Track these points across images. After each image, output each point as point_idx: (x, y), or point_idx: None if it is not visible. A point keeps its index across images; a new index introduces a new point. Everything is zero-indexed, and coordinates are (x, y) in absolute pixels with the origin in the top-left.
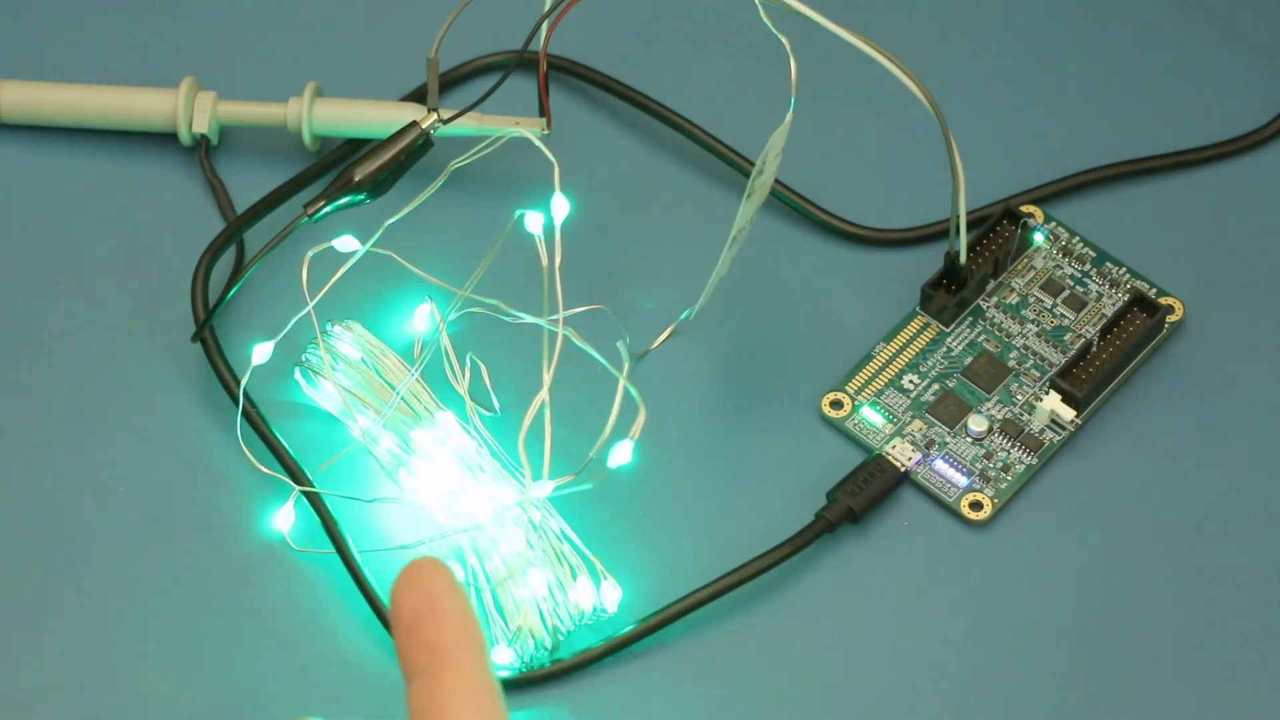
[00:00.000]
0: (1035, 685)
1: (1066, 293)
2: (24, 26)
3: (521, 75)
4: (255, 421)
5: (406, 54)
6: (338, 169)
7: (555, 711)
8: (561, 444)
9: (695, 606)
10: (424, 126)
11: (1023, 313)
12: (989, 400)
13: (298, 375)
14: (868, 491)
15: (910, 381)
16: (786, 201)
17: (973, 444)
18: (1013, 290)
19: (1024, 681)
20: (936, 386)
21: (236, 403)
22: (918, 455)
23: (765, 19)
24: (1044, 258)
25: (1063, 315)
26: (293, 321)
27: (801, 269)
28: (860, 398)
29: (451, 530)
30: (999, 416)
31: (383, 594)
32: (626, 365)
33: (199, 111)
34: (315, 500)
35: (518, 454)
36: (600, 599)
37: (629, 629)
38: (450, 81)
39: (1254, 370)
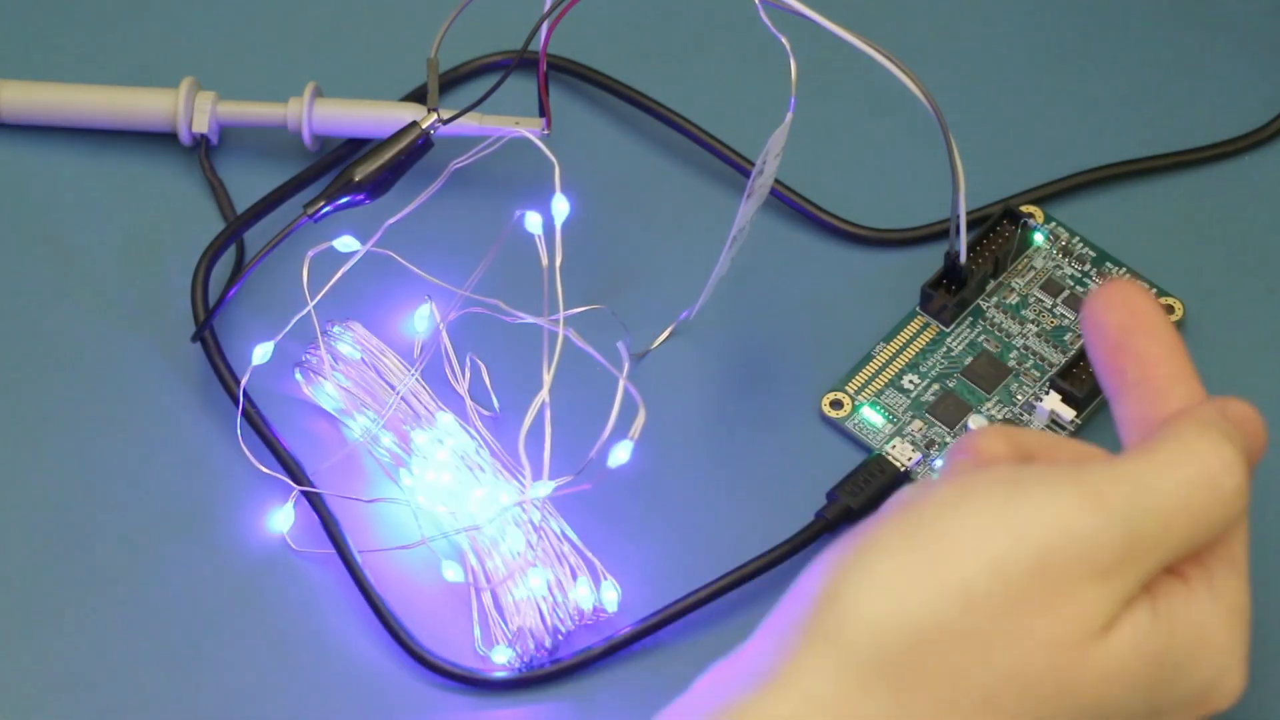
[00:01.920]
0: None
1: (1066, 293)
2: (24, 26)
3: (521, 75)
4: (255, 421)
5: (406, 54)
6: (338, 169)
7: (555, 711)
8: (561, 444)
9: (695, 606)
10: (424, 126)
11: (1023, 313)
12: (989, 400)
13: (298, 375)
14: (867, 491)
15: (910, 381)
16: (786, 201)
17: None
18: (1013, 290)
19: None
20: (936, 386)
21: (236, 403)
22: (918, 455)
23: (765, 19)
24: (1044, 258)
25: (1063, 315)
26: (293, 321)
27: (801, 269)
28: (860, 398)
29: (451, 530)
30: (999, 416)
31: (383, 594)
32: (626, 365)
33: (199, 111)
34: (315, 500)
35: (518, 454)
36: (600, 599)
37: (629, 629)
38: (450, 81)
39: (1254, 370)
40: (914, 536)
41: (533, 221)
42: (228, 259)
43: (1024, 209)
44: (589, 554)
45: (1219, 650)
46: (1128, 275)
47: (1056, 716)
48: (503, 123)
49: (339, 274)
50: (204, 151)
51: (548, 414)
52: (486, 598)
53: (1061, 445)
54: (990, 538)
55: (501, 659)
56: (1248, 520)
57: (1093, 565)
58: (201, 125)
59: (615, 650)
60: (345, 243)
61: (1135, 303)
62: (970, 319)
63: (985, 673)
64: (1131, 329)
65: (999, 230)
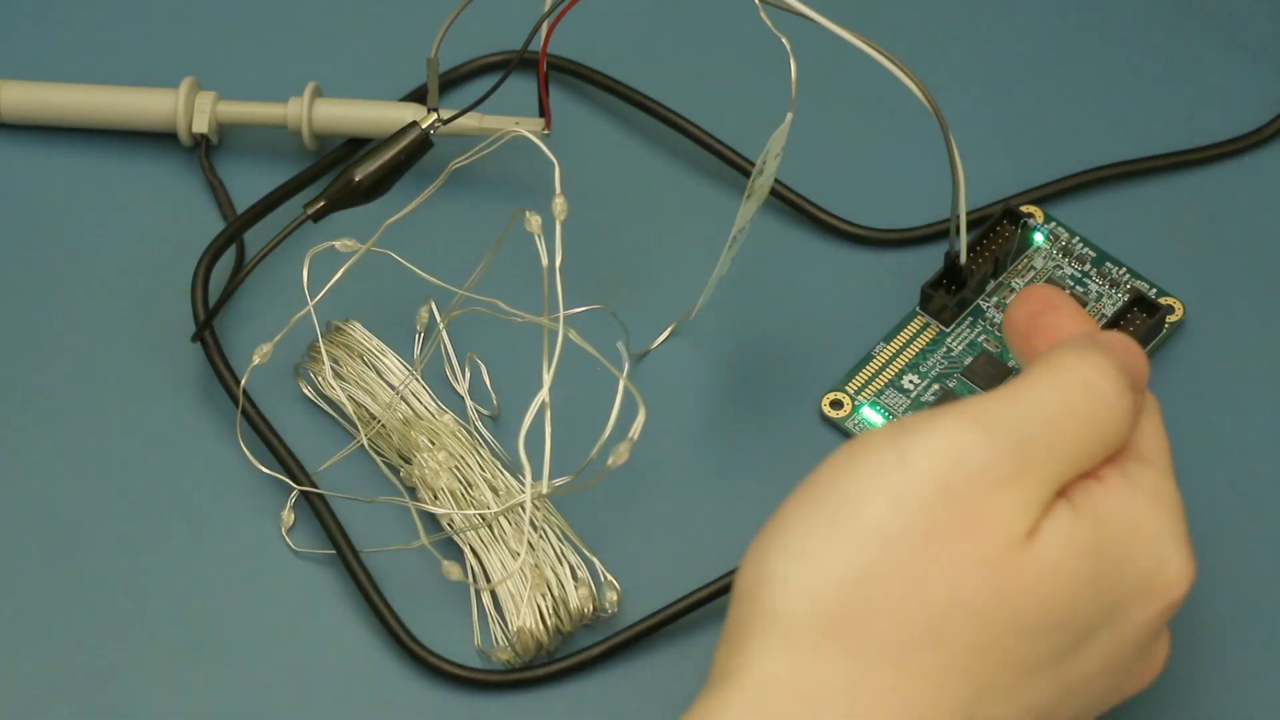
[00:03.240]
0: None
1: (1067, 293)
2: (24, 26)
3: (521, 75)
4: (255, 421)
5: (406, 54)
6: (338, 169)
7: (555, 711)
8: (561, 444)
9: (695, 606)
10: (424, 126)
11: None
12: None
13: (298, 375)
14: None
15: (910, 381)
16: (786, 201)
17: None
18: (1013, 290)
19: None
20: (936, 386)
21: (236, 403)
22: None
23: (765, 19)
24: (1044, 258)
25: None
26: (293, 321)
27: (801, 269)
28: (860, 398)
29: (451, 530)
30: None
31: (383, 594)
32: (626, 365)
33: (199, 111)
34: (315, 500)
35: (518, 454)
36: (600, 599)
37: (629, 629)
38: (450, 81)
39: (1254, 370)
40: (816, 500)
41: (532, 221)
42: (228, 259)
43: (1024, 209)
44: (589, 554)
45: (1152, 535)
46: (1126, 275)
47: (1009, 630)
48: (503, 123)
49: (339, 274)
50: (204, 151)
51: (548, 414)
52: (486, 598)
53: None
54: (886, 478)
55: (501, 659)
56: (1158, 425)
57: (993, 477)
58: (201, 125)
59: (615, 650)
60: (345, 243)
61: (1043, 293)
62: (970, 319)
63: (925, 606)
64: (1041, 312)
65: (999, 230)
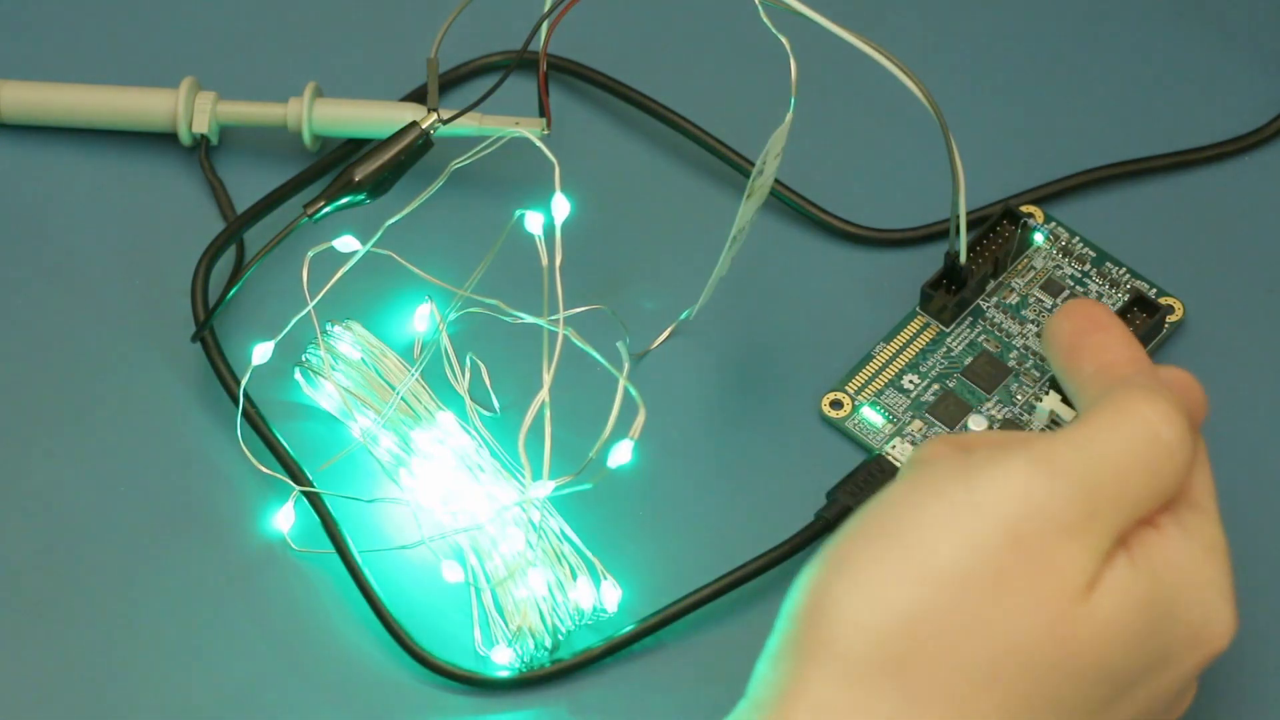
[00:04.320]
0: None
1: (1066, 293)
2: (24, 26)
3: (521, 75)
4: (255, 421)
5: (406, 54)
6: (338, 169)
7: (555, 711)
8: (561, 444)
9: (695, 606)
10: (424, 126)
11: (1023, 313)
12: (989, 400)
13: (298, 375)
14: (867, 491)
15: (910, 381)
16: (786, 201)
17: None
18: (1013, 290)
19: None
20: (936, 386)
21: (236, 403)
22: None
23: (765, 19)
24: (1044, 258)
25: None
26: (293, 322)
27: (801, 269)
28: (860, 398)
29: (451, 530)
30: (999, 416)
31: (383, 594)
32: (626, 365)
33: (199, 111)
34: (315, 500)
35: (518, 454)
36: (600, 599)
37: (629, 629)
38: (450, 81)
39: (1254, 370)
40: (884, 536)
41: (533, 221)
42: (228, 259)
43: (1024, 209)
44: (589, 554)
45: (1202, 586)
46: (1126, 275)
47: (1063, 681)
48: (503, 123)
49: (339, 274)
50: (204, 151)
51: (548, 414)
52: (486, 598)
53: (1003, 435)
54: (957, 519)
55: (501, 659)
56: (1208, 469)
57: (1060, 526)
58: (201, 125)
59: (615, 650)
60: (345, 243)
61: (1089, 310)
62: (970, 319)
63: (983, 650)
64: (1087, 330)
65: (999, 230)
